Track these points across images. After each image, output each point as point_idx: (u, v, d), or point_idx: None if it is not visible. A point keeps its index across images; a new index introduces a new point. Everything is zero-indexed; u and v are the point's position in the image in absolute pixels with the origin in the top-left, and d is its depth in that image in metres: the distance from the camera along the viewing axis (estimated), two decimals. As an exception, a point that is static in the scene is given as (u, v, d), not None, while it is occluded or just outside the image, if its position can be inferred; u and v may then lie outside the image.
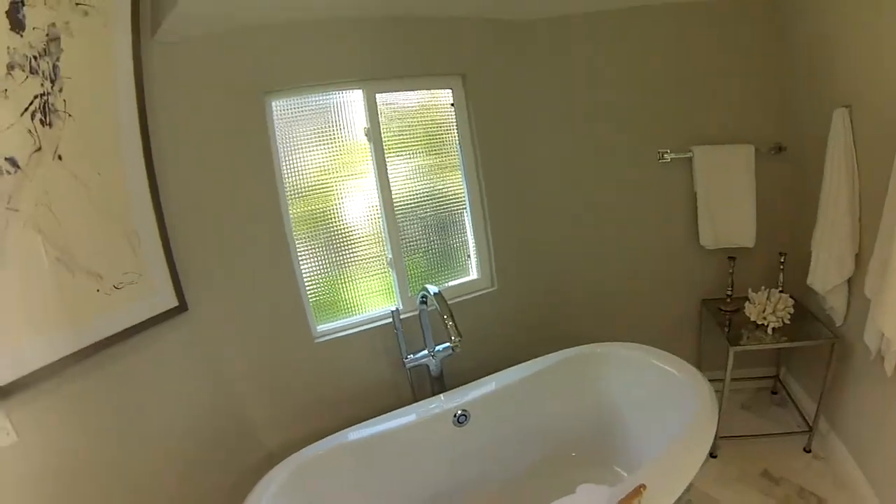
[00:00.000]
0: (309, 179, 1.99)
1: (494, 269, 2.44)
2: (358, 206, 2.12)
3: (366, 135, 2.05)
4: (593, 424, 2.17)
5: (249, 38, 1.74)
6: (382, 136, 2.08)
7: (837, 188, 2.00)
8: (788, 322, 2.22)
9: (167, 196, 1.63)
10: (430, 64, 2.11)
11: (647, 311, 2.70)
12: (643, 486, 1.37)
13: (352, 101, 2.02)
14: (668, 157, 2.42)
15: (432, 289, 1.97)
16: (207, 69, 1.70)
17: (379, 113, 2.04)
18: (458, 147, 2.29)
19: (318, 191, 2.02)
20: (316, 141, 1.98)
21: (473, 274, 2.47)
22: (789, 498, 2.05)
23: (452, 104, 2.22)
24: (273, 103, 1.86)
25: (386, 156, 2.10)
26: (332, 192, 2.05)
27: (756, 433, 2.39)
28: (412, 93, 2.16)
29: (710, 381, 1.90)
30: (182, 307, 1.70)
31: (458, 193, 2.36)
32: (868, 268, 1.87)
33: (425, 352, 2.15)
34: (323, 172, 2.01)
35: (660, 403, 2.00)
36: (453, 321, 1.89)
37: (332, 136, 2.00)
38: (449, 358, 2.17)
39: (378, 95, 2.03)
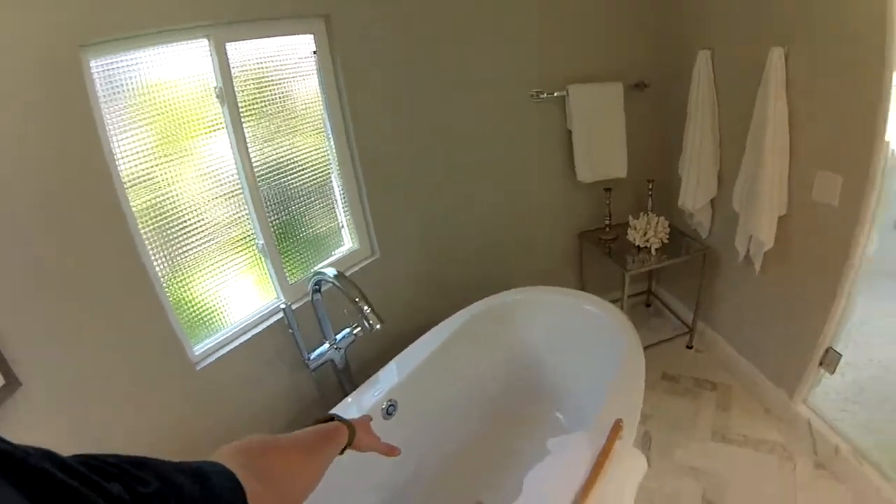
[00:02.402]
0: (148, 162, 1.47)
1: (375, 235, 2.20)
2: (213, 187, 1.67)
3: (217, 97, 1.60)
4: (519, 373, 2.14)
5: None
6: (237, 96, 1.65)
7: (702, 119, 2.18)
8: (666, 241, 2.38)
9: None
10: (287, 3, 1.70)
11: (533, 248, 2.72)
12: (620, 421, 1.36)
13: (196, 54, 1.54)
14: (542, 96, 2.36)
15: (330, 271, 1.68)
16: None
17: (231, 68, 1.61)
18: (323, 102, 1.94)
19: (158, 175, 1.50)
20: (152, 112, 1.46)
21: (348, 243, 2.20)
22: (689, 390, 2.40)
23: (315, 52, 1.85)
24: (92, 63, 1.29)
25: (243, 121, 1.69)
26: (177, 175, 1.55)
27: (645, 344, 2.59)
28: (267, 41, 1.73)
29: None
30: (12, 383, 1.18)
31: (323, 156, 2.02)
32: (735, 185, 2.07)
33: (326, 345, 1.87)
34: (164, 151, 1.51)
35: (578, 339, 2.03)
36: (370, 305, 1.63)
37: (172, 105, 1.50)
38: (353, 345, 1.93)
39: (229, 45, 1.58)
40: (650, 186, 2.47)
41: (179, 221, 1.58)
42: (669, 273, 2.83)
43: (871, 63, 1.48)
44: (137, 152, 1.44)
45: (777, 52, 1.75)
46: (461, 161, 2.39)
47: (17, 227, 1.17)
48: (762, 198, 1.89)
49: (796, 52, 1.73)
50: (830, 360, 1.91)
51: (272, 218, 1.86)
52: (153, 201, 1.50)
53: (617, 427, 1.34)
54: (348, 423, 0.92)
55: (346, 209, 2.14)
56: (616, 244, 2.52)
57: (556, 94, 2.36)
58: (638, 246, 2.40)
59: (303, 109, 1.90)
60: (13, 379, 1.17)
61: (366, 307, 1.62)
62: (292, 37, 1.80)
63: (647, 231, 2.36)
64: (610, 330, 1.90)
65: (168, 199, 1.53)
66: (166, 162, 1.51)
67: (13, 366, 1.17)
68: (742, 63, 1.97)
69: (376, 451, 1.00)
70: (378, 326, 1.63)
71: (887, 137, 1.53)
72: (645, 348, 2.48)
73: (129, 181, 1.42)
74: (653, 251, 2.36)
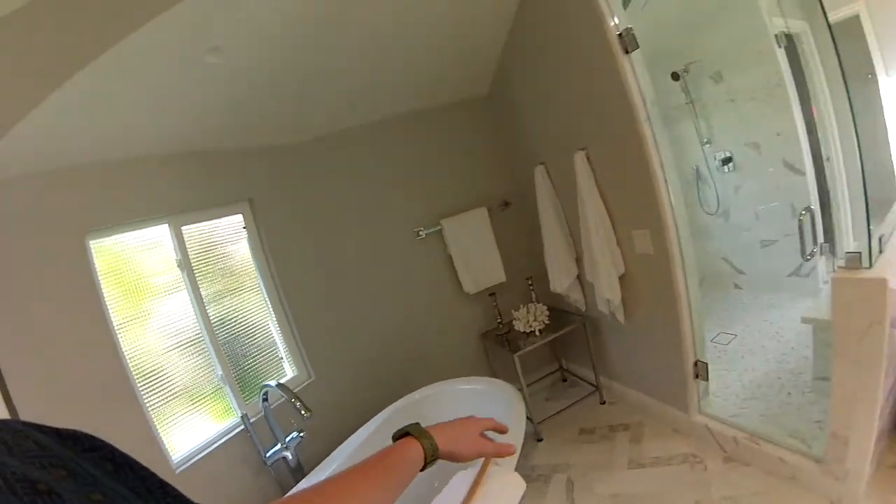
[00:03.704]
0: (128, 314, 2.07)
1: (308, 362, 2.72)
2: (177, 333, 2.24)
3: (178, 266, 2.26)
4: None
5: (70, 178, 1.90)
6: (192, 264, 2.31)
7: (550, 220, 2.86)
8: (548, 322, 2.93)
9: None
10: (224, 193, 2.47)
11: (442, 357, 3.19)
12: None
13: (159, 234, 2.24)
14: (423, 233, 3.05)
15: (272, 383, 2.19)
16: (27, 213, 1.79)
17: (186, 243, 2.29)
18: (255, 262, 2.60)
19: (140, 324, 2.11)
20: (128, 278, 2.11)
21: (289, 372, 2.69)
22: (606, 436, 2.68)
23: (245, 227, 2.58)
24: (90, 243, 1.96)
25: (199, 282, 2.32)
26: (150, 323, 2.15)
27: (560, 409, 3.02)
28: (210, 221, 2.45)
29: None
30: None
31: (260, 304, 2.63)
32: (583, 262, 2.69)
33: (278, 446, 2.30)
34: (143, 308, 2.13)
35: (480, 412, 2.43)
36: (299, 400, 2.09)
37: (139, 273, 2.15)
38: (300, 445, 2.36)
39: (184, 228, 2.29)
40: (530, 282, 3.07)
41: (154, 357, 2.13)
42: (571, 348, 3.30)
43: (636, 147, 2.11)
44: (118, 308, 2.05)
45: (580, 155, 2.43)
46: (371, 294, 3.01)
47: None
48: (599, 264, 2.48)
49: (594, 152, 2.41)
50: (701, 370, 2.31)
51: (227, 356, 2.39)
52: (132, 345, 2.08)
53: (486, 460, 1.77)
54: (418, 434, 0.84)
55: (283, 343, 2.68)
56: (510, 335, 3.00)
57: (433, 230, 3.05)
58: (525, 332, 2.91)
59: (241, 269, 2.56)
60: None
61: (297, 402, 2.09)
62: (228, 217, 2.53)
63: (529, 318, 2.90)
64: (499, 397, 2.36)
65: (141, 345, 2.10)
66: (136, 318, 2.11)
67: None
68: (564, 168, 2.64)
69: (486, 453, 0.95)
70: (307, 415, 2.08)
71: (663, 194, 2.13)
72: (560, 411, 2.93)
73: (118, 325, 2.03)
74: (537, 332, 2.86)
